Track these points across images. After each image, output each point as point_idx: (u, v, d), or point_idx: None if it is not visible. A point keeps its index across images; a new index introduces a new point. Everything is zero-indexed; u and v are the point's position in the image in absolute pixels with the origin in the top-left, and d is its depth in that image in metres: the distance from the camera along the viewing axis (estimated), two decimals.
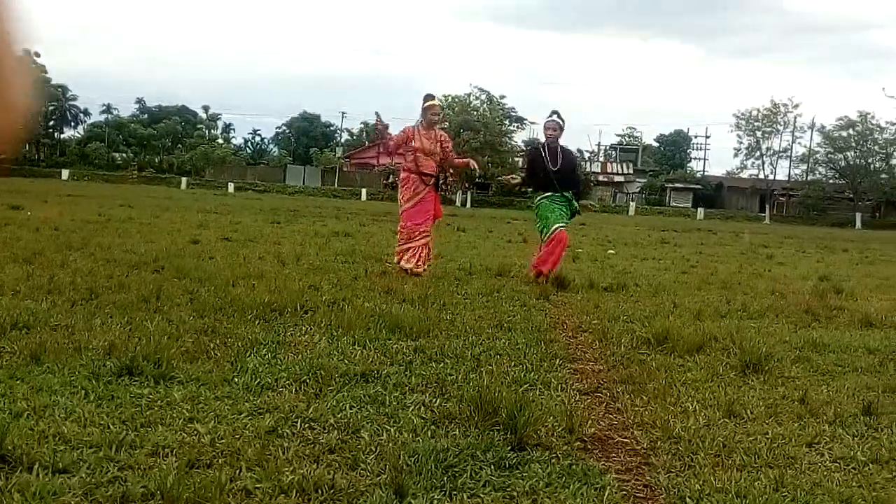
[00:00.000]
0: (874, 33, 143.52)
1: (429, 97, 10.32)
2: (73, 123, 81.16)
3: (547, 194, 10.43)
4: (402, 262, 9.83)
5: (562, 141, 10.61)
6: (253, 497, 3.02)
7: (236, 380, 4.57)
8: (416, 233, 9.96)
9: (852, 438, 4.16)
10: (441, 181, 10.41)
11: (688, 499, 3.22)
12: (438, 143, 10.11)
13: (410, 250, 9.90)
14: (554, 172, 10.27)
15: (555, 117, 10.51)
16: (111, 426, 3.66)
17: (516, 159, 59.52)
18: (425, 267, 10.00)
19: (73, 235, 12.35)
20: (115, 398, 4.09)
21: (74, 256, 9.64)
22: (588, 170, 74.27)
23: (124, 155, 79.44)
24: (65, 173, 61.97)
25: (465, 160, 10.38)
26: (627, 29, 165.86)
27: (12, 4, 0.67)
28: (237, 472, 3.22)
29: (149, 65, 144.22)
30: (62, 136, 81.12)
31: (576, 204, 10.61)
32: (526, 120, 66.10)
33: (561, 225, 10.27)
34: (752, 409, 4.58)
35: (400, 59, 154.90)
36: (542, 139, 10.87)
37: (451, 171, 10.77)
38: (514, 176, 11.66)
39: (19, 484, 2.96)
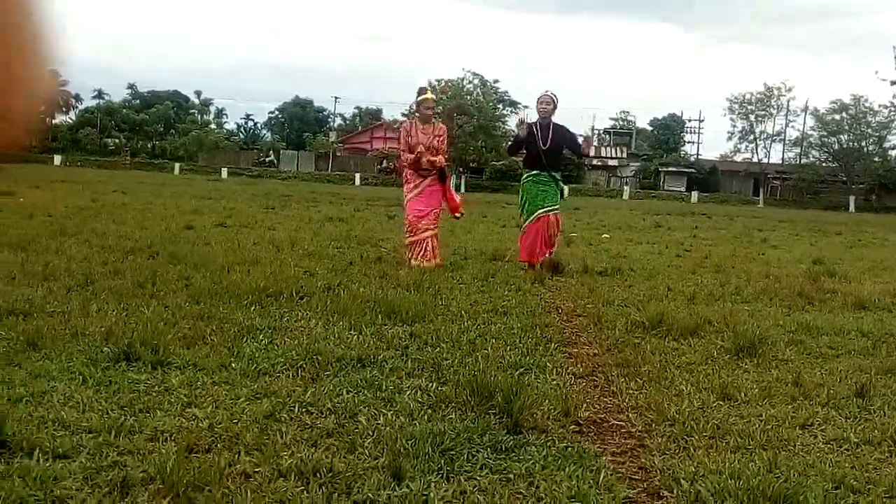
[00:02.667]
0: (868, 19, 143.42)
1: (422, 91, 10.26)
2: (64, 109, 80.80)
3: (533, 173, 10.31)
4: (413, 261, 9.68)
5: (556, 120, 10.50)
6: (252, 481, 3.04)
7: (233, 365, 4.59)
8: (419, 225, 9.85)
9: (845, 420, 4.20)
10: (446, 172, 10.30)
11: (682, 480, 3.25)
12: (436, 138, 10.01)
13: (418, 244, 9.81)
14: (543, 150, 10.15)
15: (548, 92, 10.39)
16: (110, 412, 3.68)
17: (510, 143, 59.50)
18: (437, 260, 9.91)
19: (67, 221, 12.33)
20: (113, 384, 4.11)
21: (69, 243, 9.64)
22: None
23: (117, 140, 79.10)
24: (57, 159, 61.68)
25: (437, 160, 10.15)
26: (622, 13, 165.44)
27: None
28: (236, 456, 3.25)
29: (141, 49, 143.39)
30: (54, 121, 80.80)
31: (563, 185, 10.54)
32: (519, 104, 65.96)
33: (544, 211, 10.16)
34: (746, 392, 4.62)
35: (394, 45, 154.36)
36: (535, 117, 10.71)
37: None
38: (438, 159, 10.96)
39: (20, 469, 2.98)
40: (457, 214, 10.67)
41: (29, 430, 3.36)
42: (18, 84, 0.66)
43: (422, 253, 9.79)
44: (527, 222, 10.29)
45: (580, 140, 10.51)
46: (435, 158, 9.89)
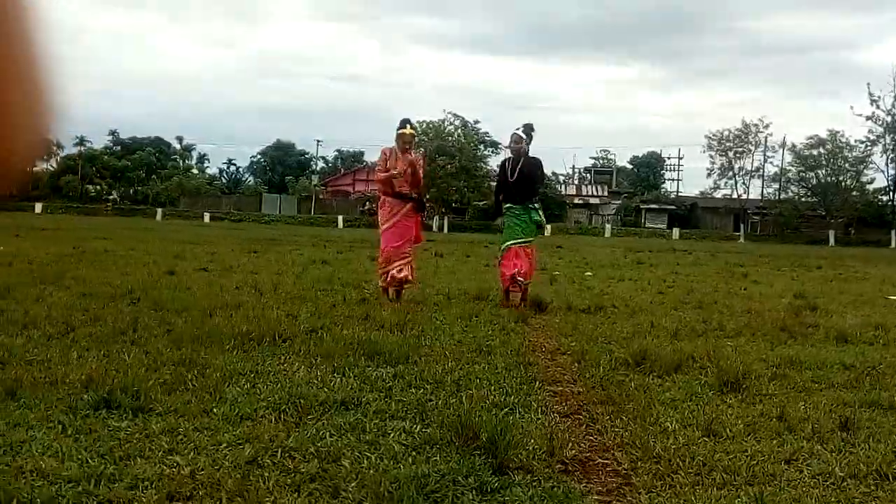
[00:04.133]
0: (843, 53, 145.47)
1: (403, 124, 10.41)
2: (45, 156, 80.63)
3: (507, 206, 10.62)
4: (394, 272, 9.97)
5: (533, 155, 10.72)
6: None
7: (215, 410, 4.55)
8: (397, 255, 10.07)
9: (830, 454, 4.19)
10: (424, 200, 10.51)
11: None
12: (412, 165, 10.21)
13: (395, 269, 10.00)
14: (512, 183, 10.47)
15: (518, 130, 10.69)
16: (89, 460, 3.62)
17: (492, 184, 59.73)
18: (412, 278, 10.23)
19: (47, 269, 12.25)
20: (93, 432, 4.06)
21: (50, 290, 9.57)
22: (563, 192, 74.69)
23: (98, 187, 78.93)
24: (38, 207, 61.43)
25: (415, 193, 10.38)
26: (599, 53, 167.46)
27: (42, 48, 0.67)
28: (218, 503, 3.20)
29: (121, 96, 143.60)
30: (34, 168, 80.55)
31: (539, 216, 10.67)
32: (500, 144, 66.33)
33: (512, 243, 10.43)
34: (731, 428, 4.61)
35: (375, 87, 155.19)
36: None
37: (427, 196, 10.77)
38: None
39: None
40: (419, 243, 10.93)
41: (7, 479, 3.31)
42: (21, 129, 0.65)
43: (399, 269, 10.03)
44: (500, 254, 10.67)
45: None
46: (408, 191, 10.16)
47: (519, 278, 10.18)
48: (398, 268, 10.02)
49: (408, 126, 10.47)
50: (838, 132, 66.01)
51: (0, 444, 3.78)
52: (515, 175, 10.44)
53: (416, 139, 11.79)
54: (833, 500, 3.54)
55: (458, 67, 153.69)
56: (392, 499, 3.29)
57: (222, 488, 3.36)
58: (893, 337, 8.36)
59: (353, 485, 3.48)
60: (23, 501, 3.10)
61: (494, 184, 11.46)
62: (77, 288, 9.97)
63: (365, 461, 3.80)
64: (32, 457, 3.63)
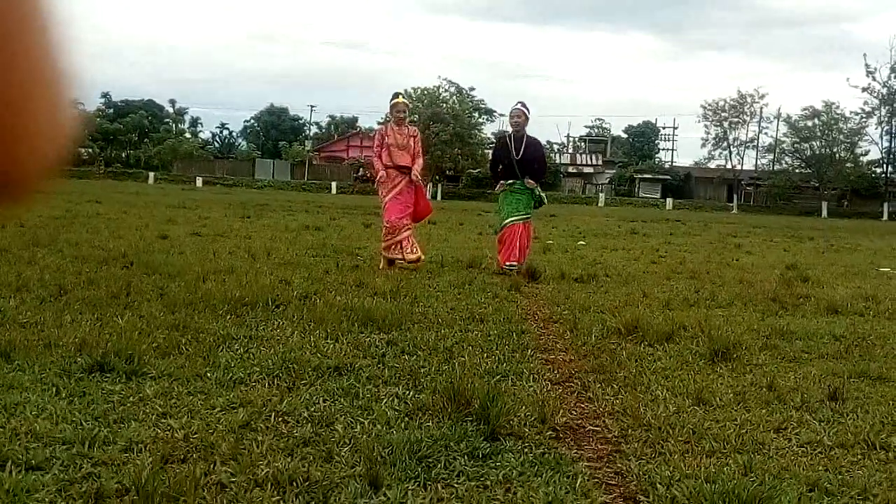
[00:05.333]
0: (844, 26, 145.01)
1: (395, 95, 10.54)
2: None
3: (508, 182, 10.60)
4: (409, 254, 10.11)
5: (530, 131, 10.76)
6: (228, 491, 3.03)
7: (209, 375, 4.57)
8: (401, 225, 10.16)
9: (819, 423, 4.23)
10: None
11: (658, 485, 3.26)
12: (411, 138, 10.35)
13: (403, 242, 10.09)
14: (517, 161, 10.45)
15: (520, 106, 10.68)
16: (83, 423, 3.64)
17: (486, 151, 59.53)
18: (421, 253, 10.32)
19: (40, 232, 12.20)
20: (87, 395, 4.08)
21: (42, 253, 9.55)
22: (558, 161, 74.53)
23: (90, 150, 78.49)
24: None
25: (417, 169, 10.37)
26: (597, 21, 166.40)
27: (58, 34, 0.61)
28: (211, 466, 3.23)
29: (114, 59, 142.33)
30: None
31: (540, 193, 10.70)
32: (495, 112, 66.13)
33: (515, 219, 10.44)
34: (721, 396, 4.65)
35: (370, 53, 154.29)
36: (509, 129, 11.04)
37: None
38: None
39: None
40: (429, 214, 11.12)
41: (1, 441, 3.33)
42: (36, 128, 0.60)
43: (409, 248, 10.14)
44: (501, 230, 10.54)
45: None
46: (416, 167, 10.26)
47: (513, 262, 10.16)
48: (410, 248, 10.11)
49: (399, 96, 10.57)
50: (834, 104, 65.88)
51: None
52: (521, 153, 10.46)
53: (411, 106, 11.84)
54: (821, 468, 3.58)
55: (455, 34, 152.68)
56: (385, 463, 3.32)
57: (216, 451, 3.38)
58: (884, 308, 8.41)
59: (346, 449, 3.50)
60: (17, 463, 3.12)
61: (490, 153, 11.48)
62: (69, 251, 9.94)
63: (358, 426, 3.83)
64: (27, 419, 3.65)
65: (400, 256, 10.14)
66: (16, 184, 0.60)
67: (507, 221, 10.48)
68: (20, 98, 0.57)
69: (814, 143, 66.33)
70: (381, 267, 10.06)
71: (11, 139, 0.57)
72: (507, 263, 10.19)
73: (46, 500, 2.87)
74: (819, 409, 4.50)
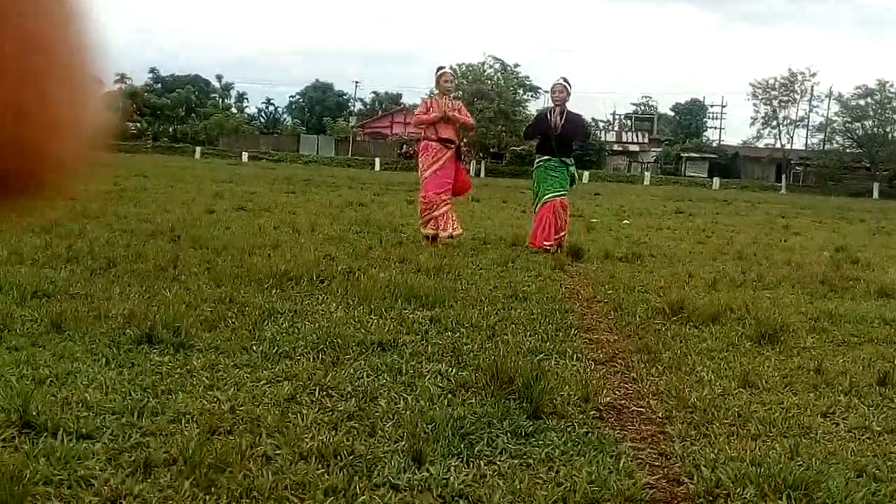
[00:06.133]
0: None
1: (441, 67, 10.45)
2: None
3: (544, 158, 10.48)
4: (441, 231, 10.04)
5: (572, 107, 10.63)
6: (273, 463, 3.06)
7: (254, 348, 4.62)
8: (439, 201, 10.08)
9: (867, 408, 4.17)
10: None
11: (703, 467, 3.24)
12: (456, 111, 10.28)
13: (439, 218, 10.02)
14: (555, 137, 10.32)
15: (562, 81, 10.56)
16: (132, 393, 3.71)
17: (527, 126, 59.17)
18: (461, 230, 10.31)
19: (89, 205, 12.39)
20: (136, 366, 4.15)
21: (92, 226, 9.72)
22: (603, 139, 73.87)
23: (138, 124, 79.46)
24: None
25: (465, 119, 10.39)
26: None
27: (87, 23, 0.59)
28: (257, 438, 3.27)
29: (162, 34, 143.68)
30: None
31: (574, 171, 10.56)
32: (540, 89, 65.61)
33: (551, 195, 10.31)
34: (767, 379, 4.59)
35: (413, 28, 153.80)
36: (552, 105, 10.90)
37: (465, 140, 10.77)
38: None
39: (45, 449, 3.02)
40: (468, 190, 11.03)
41: (53, 410, 3.40)
42: (59, 133, 0.58)
43: (450, 224, 10.08)
44: (536, 207, 10.50)
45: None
46: (452, 137, 10.13)
47: (547, 244, 10.08)
48: (444, 225, 10.04)
49: (447, 67, 10.52)
50: (888, 82, 64.37)
51: (46, 374, 3.88)
52: (560, 129, 10.32)
53: (455, 82, 11.80)
54: (869, 454, 3.52)
55: (499, 7, 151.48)
56: (428, 439, 3.33)
57: (261, 424, 3.42)
58: None
59: (389, 424, 3.53)
60: (69, 431, 3.19)
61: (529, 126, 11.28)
62: (118, 224, 10.11)
63: (401, 402, 3.85)
64: (77, 388, 3.72)
65: (436, 233, 10.07)
66: (47, 174, 0.59)
67: (545, 198, 10.37)
68: (52, 88, 0.56)
69: (866, 122, 64.94)
70: (424, 244, 10.06)
71: (43, 128, 0.56)
72: (548, 243, 10.12)
73: (97, 468, 2.92)
74: (868, 393, 4.43)
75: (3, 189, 0.56)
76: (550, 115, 10.54)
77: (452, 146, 10.21)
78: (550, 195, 10.32)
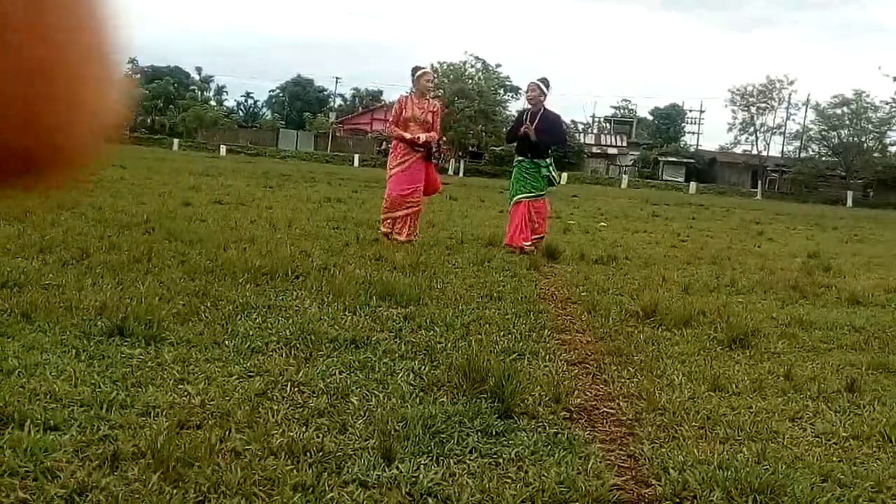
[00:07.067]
0: (873, 9, 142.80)
1: (420, 67, 10.23)
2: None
3: (519, 159, 10.52)
4: (395, 234, 9.86)
5: (554, 108, 10.64)
6: (242, 458, 3.05)
7: (227, 342, 4.60)
8: (402, 202, 9.87)
9: (835, 414, 4.22)
10: (434, 150, 10.36)
11: (671, 469, 3.26)
12: (430, 113, 10.00)
13: (398, 220, 9.89)
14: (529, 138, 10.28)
15: (536, 81, 10.53)
16: (102, 385, 3.68)
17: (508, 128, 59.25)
18: (414, 236, 10.02)
19: (64, 195, 12.29)
20: (106, 358, 4.11)
21: (65, 216, 9.62)
22: (581, 141, 74.11)
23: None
24: None
25: (429, 136, 10.14)
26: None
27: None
28: (227, 433, 3.25)
29: (140, 25, 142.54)
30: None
31: (551, 173, 10.55)
32: (521, 89, 65.68)
33: (523, 196, 10.31)
34: (737, 384, 4.63)
35: (395, 24, 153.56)
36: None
37: (444, 139, 10.71)
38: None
39: (11, 441, 2.98)
40: (438, 190, 10.82)
41: (21, 401, 3.37)
42: (82, 112, 0.58)
43: (405, 229, 9.89)
44: (509, 207, 10.56)
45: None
46: (427, 135, 9.90)
47: (525, 244, 10.09)
48: (398, 230, 9.86)
49: (427, 67, 10.41)
50: (864, 92, 65.14)
51: (15, 365, 3.84)
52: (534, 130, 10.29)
53: (436, 81, 11.72)
54: (835, 459, 3.56)
55: (482, 6, 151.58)
56: (398, 437, 3.34)
57: (232, 419, 3.41)
58: None
59: (360, 421, 3.52)
60: (36, 423, 3.16)
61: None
62: (93, 215, 10.02)
63: (373, 399, 3.85)
64: (46, 379, 3.69)
65: (390, 231, 9.90)
66: (72, 154, 0.60)
67: (516, 198, 10.38)
68: (78, 67, 0.56)
69: (842, 131, 65.67)
70: (380, 235, 10.01)
71: (69, 109, 0.56)
72: (527, 244, 10.13)
73: (63, 460, 2.90)
74: (836, 399, 4.48)
75: (31, 166, 0.57)
76: (526, 116, 10.54)
77: (421, 151, 9.95)
78: (521, 196, 10.34)
